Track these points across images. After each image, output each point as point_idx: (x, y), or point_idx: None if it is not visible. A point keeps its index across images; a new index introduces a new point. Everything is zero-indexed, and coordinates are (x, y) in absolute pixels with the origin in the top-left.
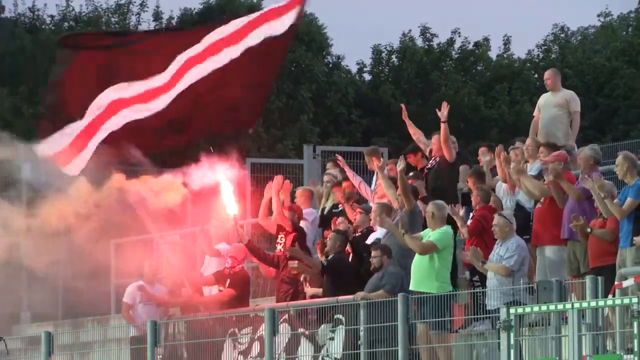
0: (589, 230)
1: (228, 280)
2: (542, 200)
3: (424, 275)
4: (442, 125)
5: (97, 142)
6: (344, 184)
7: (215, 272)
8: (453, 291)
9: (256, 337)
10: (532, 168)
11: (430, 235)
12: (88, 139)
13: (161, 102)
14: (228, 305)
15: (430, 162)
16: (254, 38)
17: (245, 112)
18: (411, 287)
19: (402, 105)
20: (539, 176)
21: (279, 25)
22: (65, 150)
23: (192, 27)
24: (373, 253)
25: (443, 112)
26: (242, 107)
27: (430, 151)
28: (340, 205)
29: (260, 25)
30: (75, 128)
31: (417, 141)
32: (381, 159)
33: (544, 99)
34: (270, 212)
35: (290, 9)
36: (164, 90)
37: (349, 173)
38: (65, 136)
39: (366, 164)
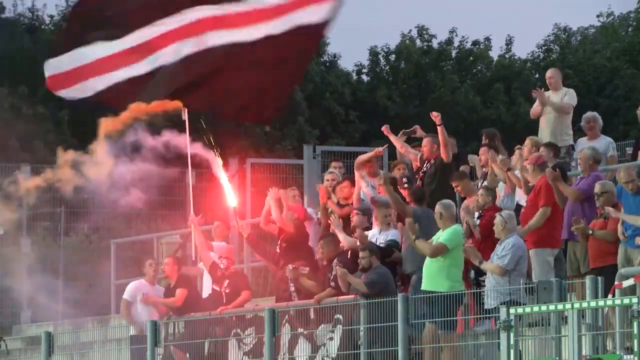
0: (590, 232)
1: (227, 281)
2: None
3: (435, 275)
4: (439, 129)
5: (105, 83)
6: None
7: (211, 266)
8: (462, 290)
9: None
10: None
11: (439, 236)
12: (97, 74)
13: (178, 53)
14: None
15: (425, 165)
16: (286, 23)
17: (267, 105)
18: (423, 287)
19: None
20: None
21: (313, 16)
22: (69, 73)
23: None
24: (361, 254)
25: (436, 118)
26: (265, 100)
27: (421, 157)
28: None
29: (294, 11)
30: (85, 55)
31: (405, 154)
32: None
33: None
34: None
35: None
36: (177, 37)
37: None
38: (73, 59)
39: None
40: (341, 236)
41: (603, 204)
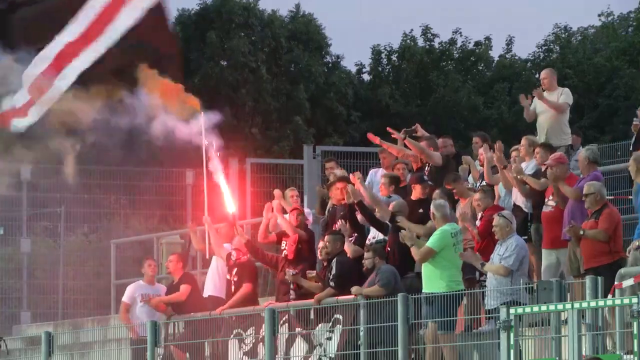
0: (581, 232)
1: (235, 269)
2: (551, 204)
3: (430, 276)
4: (406, 142)
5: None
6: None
7: (226, 256)
8: (460, 290)
9: (260, 337)
10: (528, 167)
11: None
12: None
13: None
14: (250, 300)
15: (424, 166)
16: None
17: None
18: (423, 289)
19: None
20: (535, 175)
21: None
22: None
23: None
24: (366, 255)
25: (397, 136)
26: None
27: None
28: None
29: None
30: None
31: (404, 157)
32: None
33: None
34: (268, 231)
35: None
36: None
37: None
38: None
39: (366, 164)
40: (346, 243)
41: (590, 205)
